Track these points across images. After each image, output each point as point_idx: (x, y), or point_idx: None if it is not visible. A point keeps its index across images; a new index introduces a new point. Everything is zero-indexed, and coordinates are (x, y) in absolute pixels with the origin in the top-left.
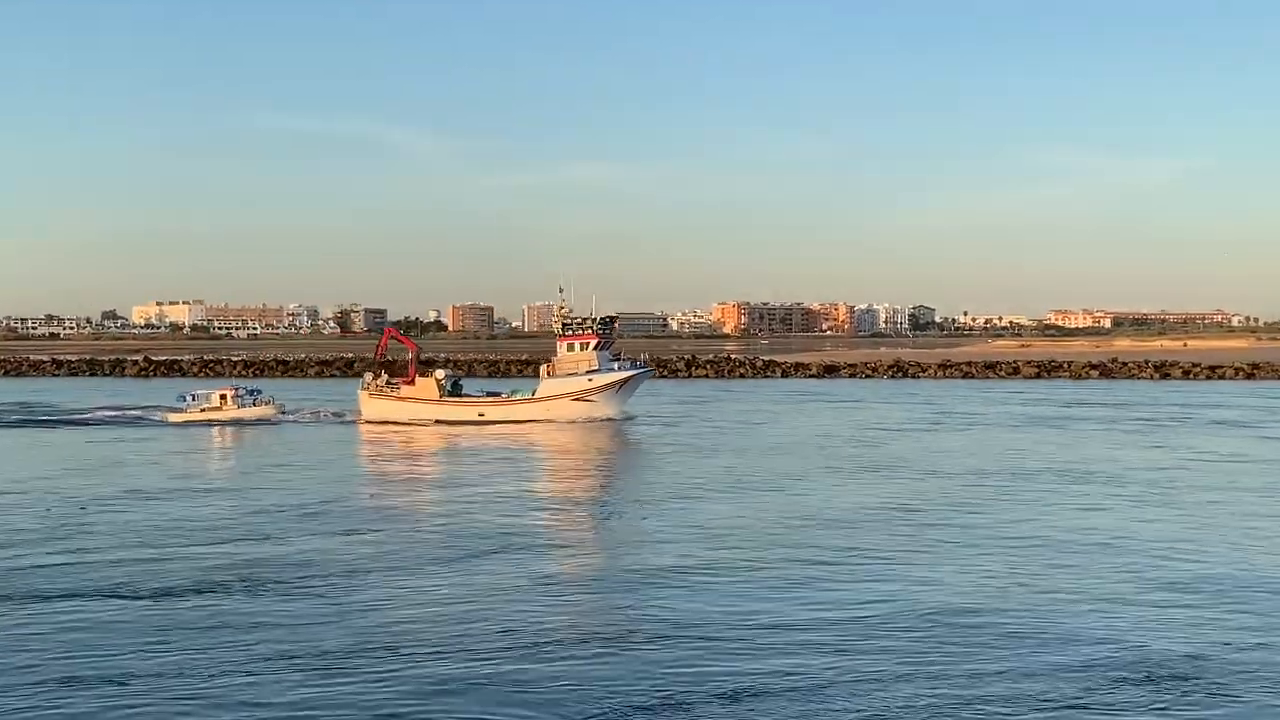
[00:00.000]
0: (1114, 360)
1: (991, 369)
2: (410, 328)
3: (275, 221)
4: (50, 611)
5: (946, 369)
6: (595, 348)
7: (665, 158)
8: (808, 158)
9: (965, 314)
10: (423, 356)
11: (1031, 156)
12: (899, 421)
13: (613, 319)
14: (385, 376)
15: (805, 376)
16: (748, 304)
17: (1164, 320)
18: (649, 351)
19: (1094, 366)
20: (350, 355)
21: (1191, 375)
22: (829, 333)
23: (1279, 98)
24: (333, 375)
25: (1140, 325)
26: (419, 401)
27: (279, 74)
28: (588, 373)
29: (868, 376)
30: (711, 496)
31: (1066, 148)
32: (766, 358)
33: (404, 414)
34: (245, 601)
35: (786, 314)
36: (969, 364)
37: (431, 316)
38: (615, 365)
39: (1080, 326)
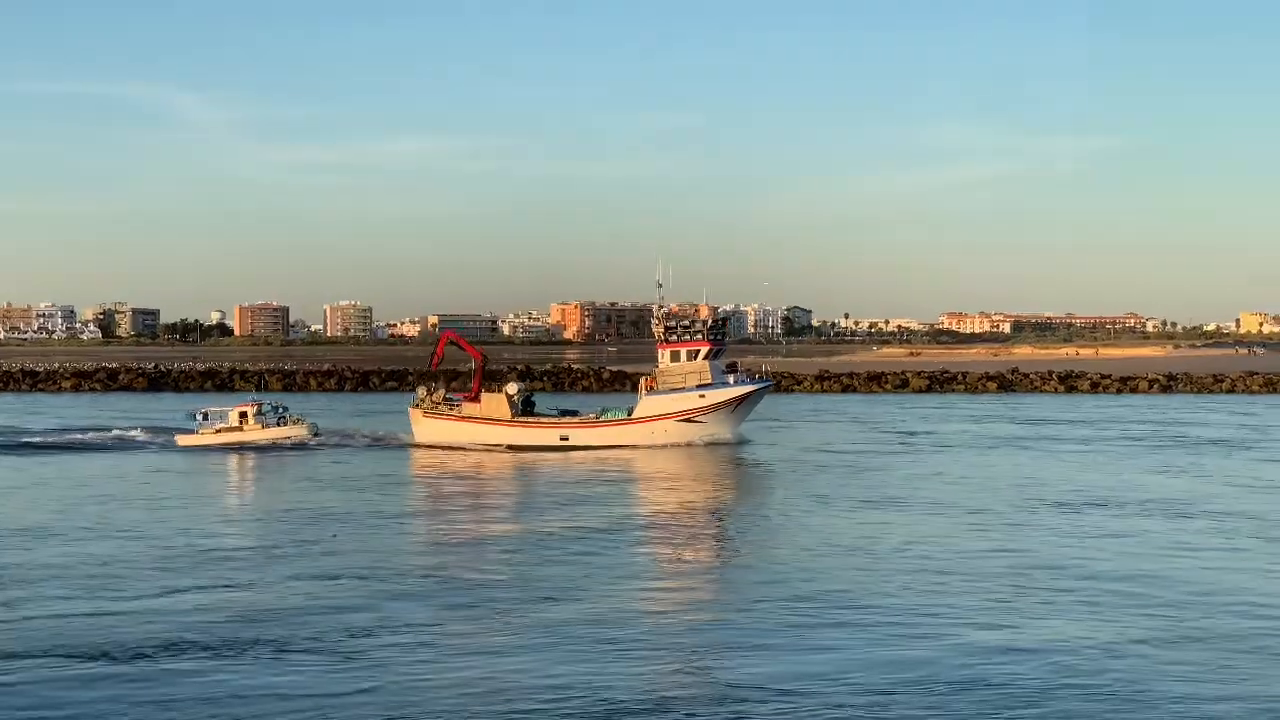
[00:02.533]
0: (1014, 371)
1: (877, 381)
2: (188, 331)
3: (16, 205)
4: None
5: (824, 381)
6: (707, 356)
7: (498, 135)
8: (667, 137)
9: (846, 317)
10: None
11: (924, 136)
12: (853, 442)
13: (724, 320)
14: (443, 392)
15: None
16: (592, 305)
17: (1070, 325)
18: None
19: (991, 378)
20: (114, 365)
21: (1101, 388)
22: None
23: (1200, 78)
24: (92, 389)
25: (1044, 330)
26: (486, 423)
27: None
28: (698, 387)
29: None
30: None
31: (964, 126)
32: (614, 367)
33: (467, 437)
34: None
35: (638, 316)
36: (850, 375)
37: (214, 319)
38: (731, 379)
39: (977, 332)
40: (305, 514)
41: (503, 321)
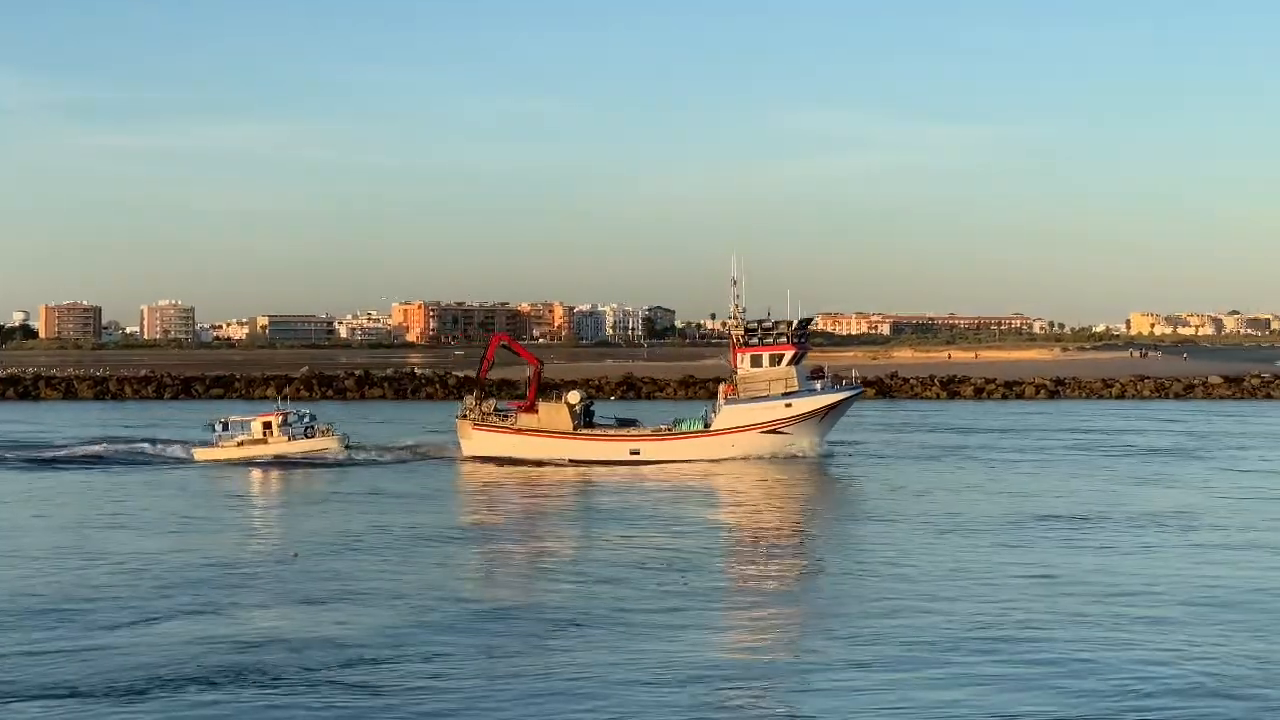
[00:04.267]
0: (894, 375)
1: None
2: None
3: None
4: None
5: (689, 387)
6: (792, 361)
7: (336, 122)
8: (522, 125)
9: (713, 318)
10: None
11: (796, 127)
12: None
13: (808, 322)
14: (494, 402)
15: (513, 397)
16: (438, 305)
17: (953, 326)
18: (310, 364)
19: (870, 383)
20: None
21: (985, 394)
22: (542, 341)
23: (1090, 70)
24: None
25: (925, 332)
26: (545, 435)
27: None
28: (784, 395)
29: (591, 396)
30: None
31: (839, 117)
32: (461, 373)
33: (524, 451)
34: None
35: (488, 317)
36: (716, 380)
37: (16, 320)
38: (818, 385)
39: (854, 333)
40: (337, 536)
41: (340, 323)
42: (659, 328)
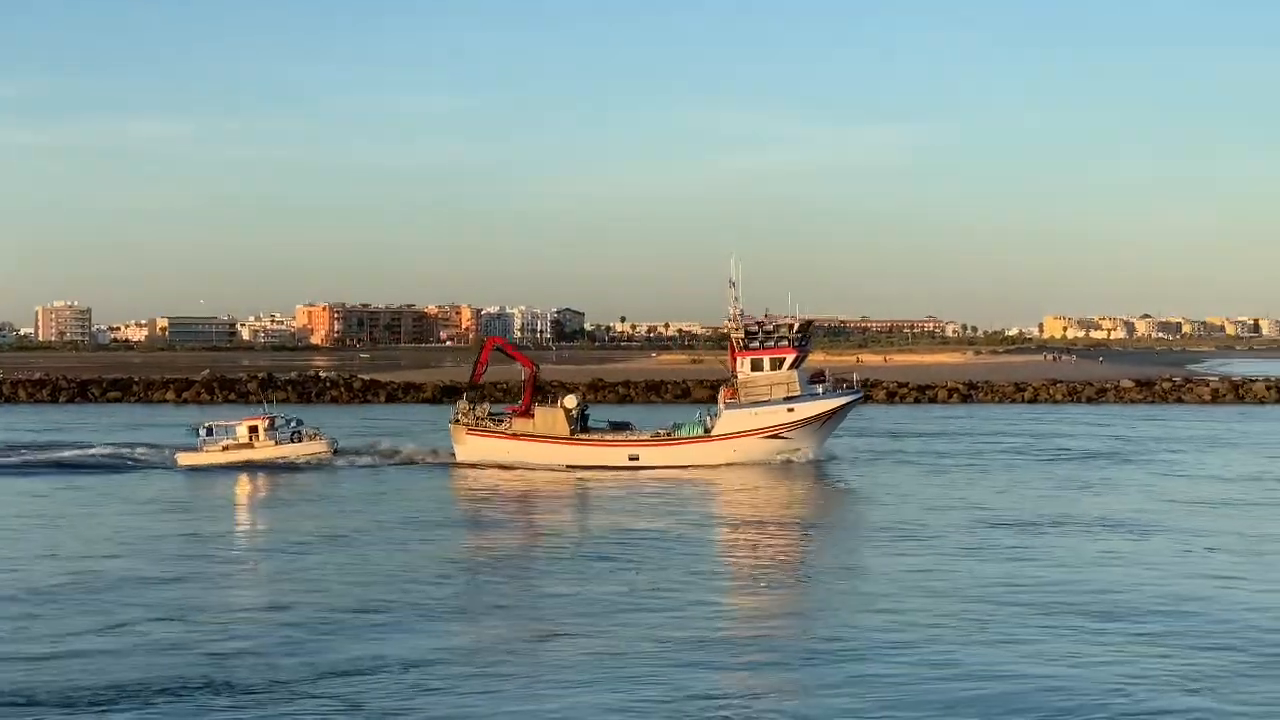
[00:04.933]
0: None
1: (656, 391)
2: None
3: None
4: None
5: (599, 390)
6: (793, 365)
7: (238, 119)
8: (428, 118)
9: (623, 320)
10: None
11: (711, 126)
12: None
13: (809, 324)
14: (488, 406)
15: (418, 401)
16: (343, 307)
17: (865, 330)
18: (211, 367)
19: None
20: None
21: (898, 398)
22: (450, 343)
23: (1004, 71)
24: None
25: (836, 335)
26: (542, 440)
27: None
28: (786, 400)
29: (497, 400)
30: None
31: (754, 116)
32: (367, 376)
33: (520, 456)
34: None
35: (394, 319)
36: (627, 385)
37: None
38: (820, 389)
39: None
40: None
41: (242, 325)
42: (568, 330)
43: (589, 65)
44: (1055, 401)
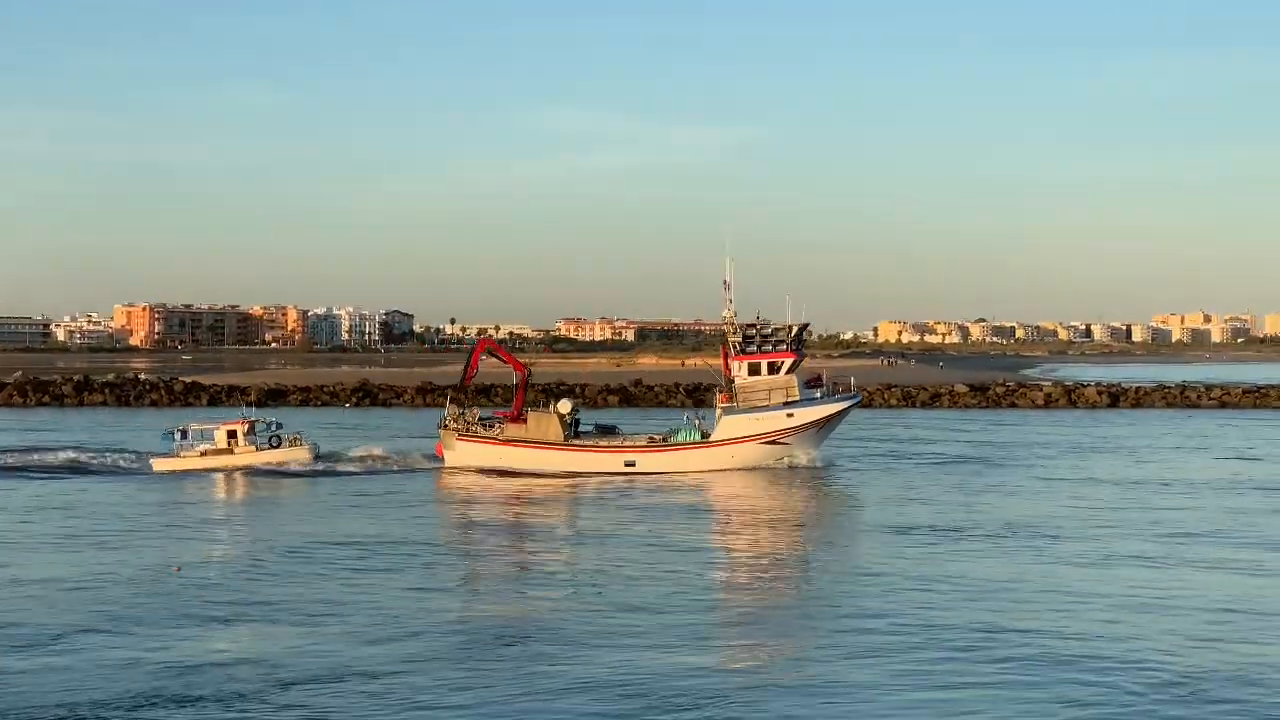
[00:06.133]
0: (637, 383)
1: (485, 394)
2: None
3: None
4: None
5: (427, 394)
6: (790, 369)
7: (54, 111)
8: (249, 115)
9: (453, 323)
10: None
11: (541, 124)
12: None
13: (805, 327)
14: (477, 410)
15: (243, 403)
16: (164, 307)
17: (699, 332)
18: (24, 369)
19: (613, 391)
20: None
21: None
22: (275, 345)
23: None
24: None
25: (670, 338)
26: (535, 446)
27: None
28: (785, 405)
29: (324, 404)
30: None
31: (585, 114)
32: (188, 379)
33: (512, 462)
34: None
35: (217, 320)
36: (456, 388)
37: None
38: (818, 394)
39: (598, 339)
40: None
41: (57, 325)
42: (397, 332)
43: (413, 62)
44: (890, 406)
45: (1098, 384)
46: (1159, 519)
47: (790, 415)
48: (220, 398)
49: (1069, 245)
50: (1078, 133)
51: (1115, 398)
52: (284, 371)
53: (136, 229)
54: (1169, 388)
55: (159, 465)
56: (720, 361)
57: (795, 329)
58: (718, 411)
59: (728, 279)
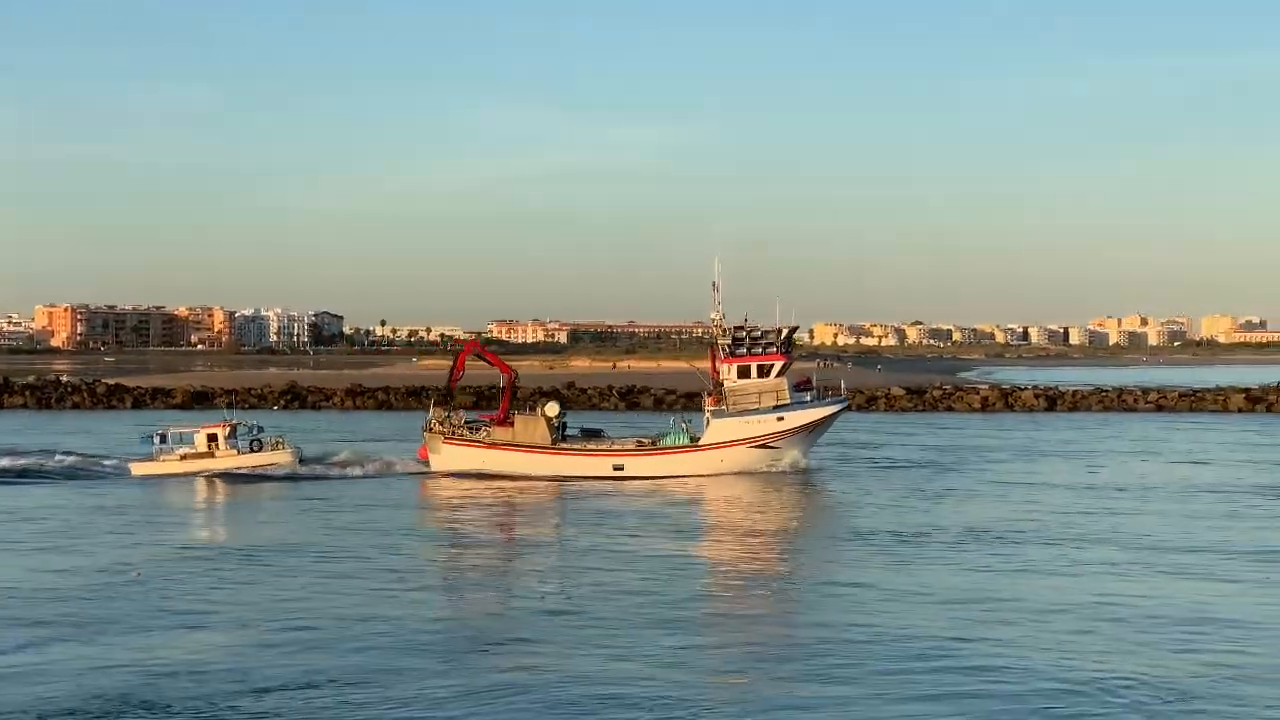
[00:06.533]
0: (570, 386)
1: (417, 397)
2: None
3: None
4: None
5: (357, 397)
6: (781, 372)
7: None
8: (180, 112)
9: (383, 324)
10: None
11: (474, 126)
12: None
13: (795, 329)
14: (463, 414)
15: (168, 406)
16: (86, 308)
17: (633, 334)
18: None
19: (546, 394)
20: None
21: (666, 405)
22: (201, 347)
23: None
24: None
25: (604, 340)
26: (522, 450)
27: None
28: (776, 409)
29: (252, 407)
30: None
31: (518, 115)
32: (112, 381)
33: (499, 466)
34: None
35: (141, 321)
36: (387, 391)
37: None
38: (808, 397)
39: (531, 341)
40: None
41: None
42: (327, 334)
43: (344, 62)
44: None
45: (1034, 387)
46: (1118, 525)
47: (781, 419)
48: (145, 400)
49: (1006, 247)
50: (1014, 136)
51: (1053, 401)
52: (210, 374)
53: (58, 228)
54: (1106, 391)
55: (137, 469)
56: (709, 364)
57: (785, 331)
58: (706, 415)
59: (717, 280)
